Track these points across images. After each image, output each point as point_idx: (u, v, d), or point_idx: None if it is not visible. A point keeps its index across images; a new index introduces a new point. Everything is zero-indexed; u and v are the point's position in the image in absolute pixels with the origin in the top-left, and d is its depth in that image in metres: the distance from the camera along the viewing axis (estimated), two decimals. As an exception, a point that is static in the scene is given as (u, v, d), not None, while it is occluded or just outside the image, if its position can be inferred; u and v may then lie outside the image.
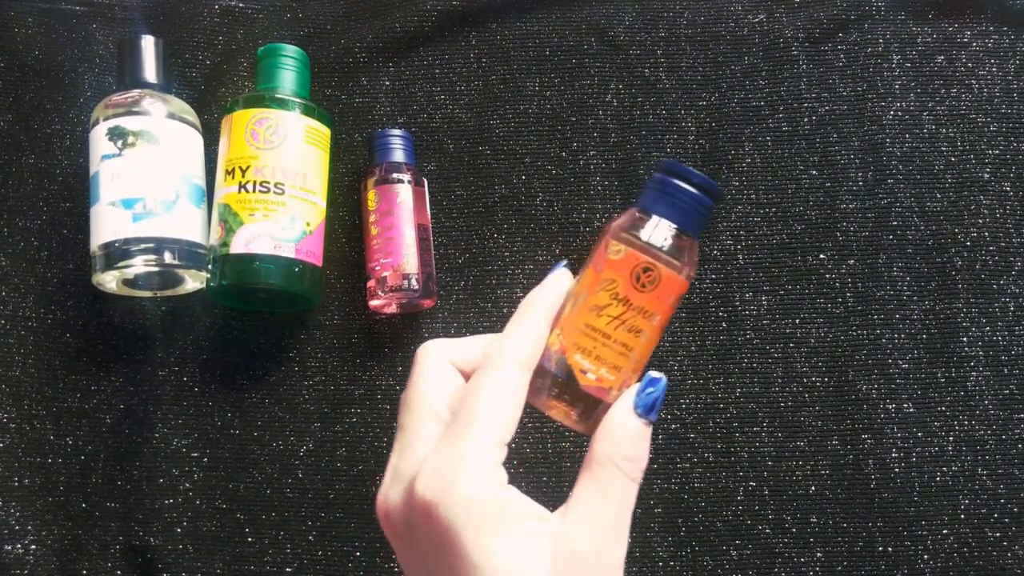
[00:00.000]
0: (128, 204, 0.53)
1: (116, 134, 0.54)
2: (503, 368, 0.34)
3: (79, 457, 0.56)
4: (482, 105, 0.62)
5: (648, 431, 0.35)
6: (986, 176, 0.60)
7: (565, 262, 0.38)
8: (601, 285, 0.36)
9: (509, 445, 0.33)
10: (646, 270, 0.35)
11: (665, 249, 0.35)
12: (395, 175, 0.57)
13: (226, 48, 0.63)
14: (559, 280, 0.37)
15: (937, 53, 0.63)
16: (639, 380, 0.35)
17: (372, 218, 0.57)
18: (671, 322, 0.58)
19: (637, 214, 0.36)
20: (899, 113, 0.61)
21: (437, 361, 0.36)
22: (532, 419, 0.57)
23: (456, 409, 0.34)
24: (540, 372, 0.36)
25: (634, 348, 0.36)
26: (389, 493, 0.34)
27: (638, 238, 0.36)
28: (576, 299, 0.36)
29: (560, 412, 0.36)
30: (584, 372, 0.35)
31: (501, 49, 0.63)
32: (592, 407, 0.36)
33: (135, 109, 0.55)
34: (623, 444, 0.34)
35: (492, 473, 0.32)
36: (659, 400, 0.35)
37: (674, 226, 0.36)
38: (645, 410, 0.35)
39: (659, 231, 0.36)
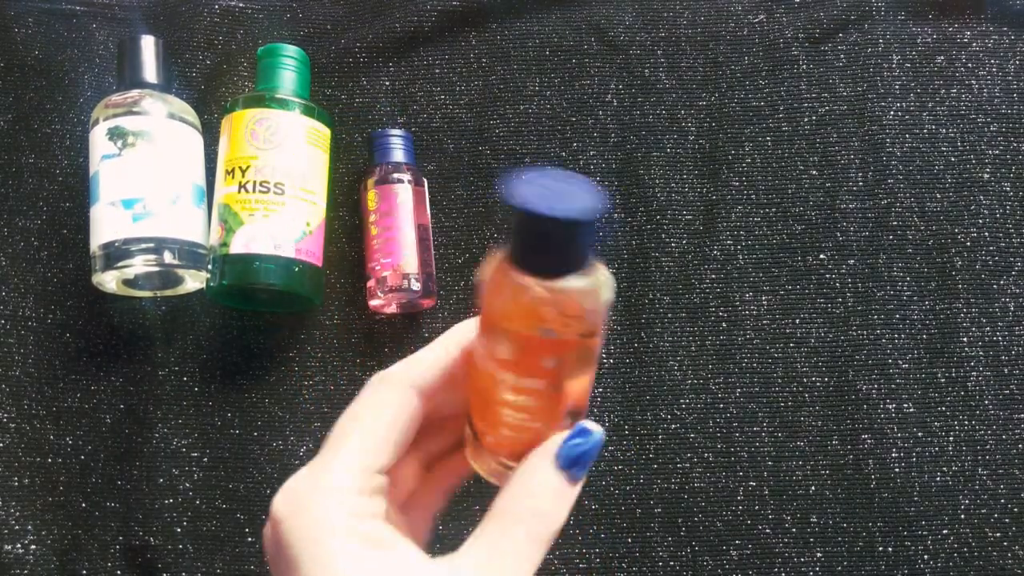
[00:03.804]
0: (128, 204, 0.53)
1: (116, 134, 0.54)
2: (385, 387, 0.31)
3: (79, 457, 0.56)
4: (482, 105, 0.62)
5: (569, 489, 0.30)
6: (986, 176, 0.60)
7: None
8: (480, 344, 0.30)
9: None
10: (502, 339, 0.28)
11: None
12: (395, 175, 0.57)
13: (226, 48, 0.63)
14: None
15: (937, 53, 0.63)
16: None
17: (372, 218, 0.57)
18: (671, 322, 0.58)
19: (499, 260, 0.28)
20: (899, 113, 0.61)
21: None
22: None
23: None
24: (468, 432, 0.32)
25: (524, 414, 0.30)
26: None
27: (491, 295, 0.29)
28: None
29: (490, 471, 0.32)
30: (484, 434, 0.31)
31: (501, 49, 0.63)
32: (508, 467, 0.31)
33: (135, 109, 0.55)
34: (534, 496, 0.29)
35: (351, 499, 0.28)
36: (588, 455, 0.30)
37: (539, 277, 0.27)
38: (567, 462, 0.29)
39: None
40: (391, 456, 0.30)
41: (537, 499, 0.29)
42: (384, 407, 0.31)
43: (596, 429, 0.30)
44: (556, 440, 0.30)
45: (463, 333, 0.32)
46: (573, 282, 0.27)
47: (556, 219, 0.25)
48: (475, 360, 0.30)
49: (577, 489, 0.30)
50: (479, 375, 0.30)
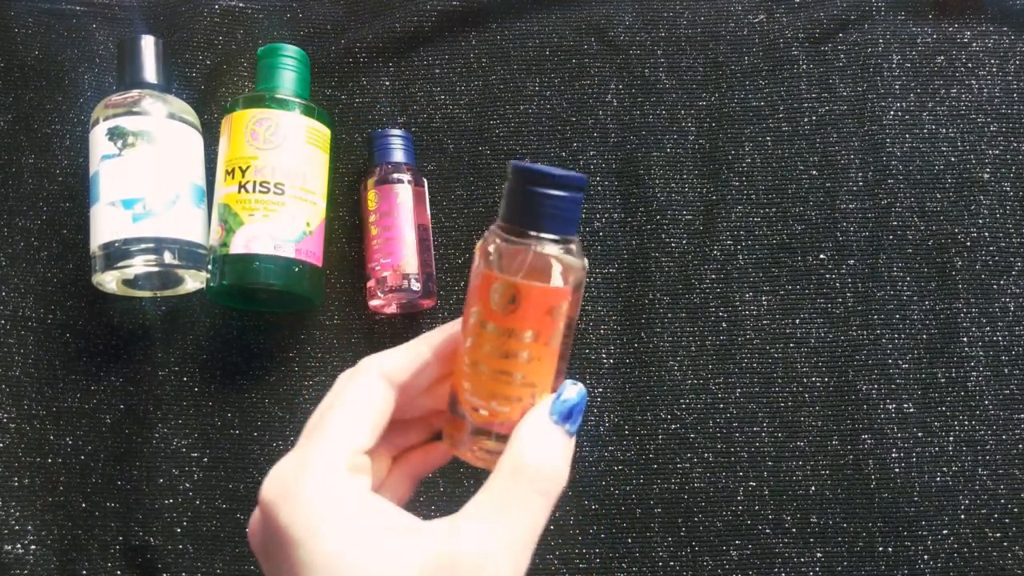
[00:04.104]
0: (128, 204, 0.53)
1: (116, 134, 0.54)
2: (365, 375, 0.32)
3: (79, 457, 0.56)
4: (482, 105, 0.62)
5: (566, 441, 0.32)
6: (986, 176, 0.60)
7: None
8: (469, 313, 0.33)
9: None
10: (500, 290, 0.31)
11: (516, 263, 0.31)
12: (395, 175, 0.57)
13: (226, 48, 0.63)
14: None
15: (937, 53, 0.63)
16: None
17: (372, 218, 0.57)
18: (671, 322, 0.58)
19: (493, 228, 0.33)
20: (899, 113, 0.61)
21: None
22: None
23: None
24: (452, 421, 0.34)
25: (520, 372, 0.32)
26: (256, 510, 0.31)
27: (488, 255, 0.32)
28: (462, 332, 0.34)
29: (476, 456, 0.33)
30: (476, 409, 0.33)
31: (501, 49, 0.63)
32: (503, 444, 0.32)
33: (135, 109, 0.55)
34: (536, 449, 0.31)
35: (340, 476, 0.29)
36: (577, 408, 0.32)
37: (530, 233, 0.31)
38: (562, 417, 0.32)
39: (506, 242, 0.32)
40: (370, 437, 0.31)
41: (539, 452, 0.31)
42: (359, 392, 0.32)
43: (579, 386, 0.33)
44: (546, 401, 0.32)
45: (439, 335, 0.34)
46: (557, 245, 0.32)
47: (552, 175, 0.31)
48: (473, 329, 0.32)
49: (573, 443, 0.32)
50: (479, 342, 0.32)
